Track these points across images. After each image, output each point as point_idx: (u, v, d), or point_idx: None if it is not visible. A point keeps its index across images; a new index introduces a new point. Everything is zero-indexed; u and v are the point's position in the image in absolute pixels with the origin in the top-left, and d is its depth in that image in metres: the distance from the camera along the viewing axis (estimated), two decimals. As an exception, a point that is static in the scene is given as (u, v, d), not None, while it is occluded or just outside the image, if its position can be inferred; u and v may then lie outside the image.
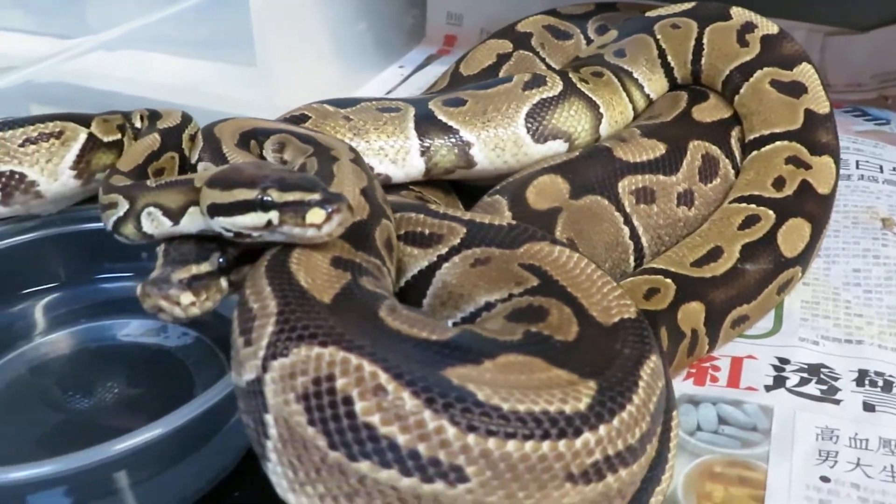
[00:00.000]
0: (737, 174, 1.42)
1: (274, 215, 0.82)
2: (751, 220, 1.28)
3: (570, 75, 1.47)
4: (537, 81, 1.43)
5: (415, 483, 0.63)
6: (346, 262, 0.83)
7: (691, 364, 1.19)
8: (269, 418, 0.70)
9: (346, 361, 0.65)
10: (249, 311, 0.75)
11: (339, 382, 0.65)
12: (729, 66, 1.48)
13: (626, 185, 1.33)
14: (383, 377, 0.64)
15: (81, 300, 1.20)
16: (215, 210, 0.87)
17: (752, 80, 1.45)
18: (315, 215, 0.79)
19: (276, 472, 0.71)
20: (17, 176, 1.15)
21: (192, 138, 1.20)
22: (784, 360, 1.18)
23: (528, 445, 0.64)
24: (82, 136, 1.17)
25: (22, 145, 1.15)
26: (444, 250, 0.99)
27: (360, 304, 0.75)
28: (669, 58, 1.54)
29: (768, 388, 1.13)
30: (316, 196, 0.80)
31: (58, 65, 1.82)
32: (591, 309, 0.84)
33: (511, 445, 0.63)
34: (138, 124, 1.25)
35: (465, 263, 0.96)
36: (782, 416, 1.08)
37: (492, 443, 0.63)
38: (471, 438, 0.63)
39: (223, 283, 0.91)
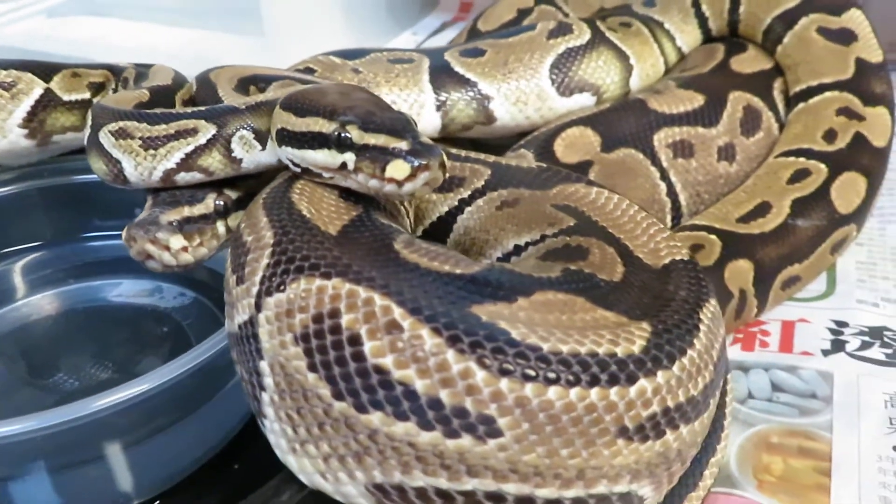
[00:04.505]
0: (781, 129, 1.31)
1: (349, 158, 0.68)
2: (801, 174, 1.17)
3: (598, 24, 1.36)
4: (563, 29, 1.32)
5: (436, 438, 0.53)
6: (360, 195, 0.72)
7: (739, 328, 1.07)
8: (263, 366, 0.59)
9: (354, 294, 0.55)
10: (243, 245, 0.64)
11: (345, 319, 0.54)
12: (770, 14, 1.36)
13: (662, 138, 1.21)
14: (397, 312, 0.53)
15: (68, 260, 1.09)
16: (284, 138, 0.74)
17: (796, 28, 1.34)
18: (397, 169, 0.65)
19: (274, 430, 0.60)
20: None
21: (187, 103, 1.07)
22: (842, 324, 1.07)
23: (574, 393, 0.53)
24: (37, 90, 1.01)
25: None
26: (466, 194, 0.88)
27: (372, 237, 0.64)
28: (704, 7, 1.43)
29: (826, 353, 1.02)
30: (402, 145, 0.65)
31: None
32: (638, 250, 0.74)
33: (552, 392, 0.52)
34: (115, 88, 1.08)
35: (490, 206, 0.85)
36: (844, 382, 0.96)
37: (529, 389, 0.52)
38: (504, 384, 0.52)
39: (220, 228, 0.81)
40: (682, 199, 1.22)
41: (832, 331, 1.06)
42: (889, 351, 1.01)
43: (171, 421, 0.79)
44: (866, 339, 1.03)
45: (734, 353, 1.03)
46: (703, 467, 0.79)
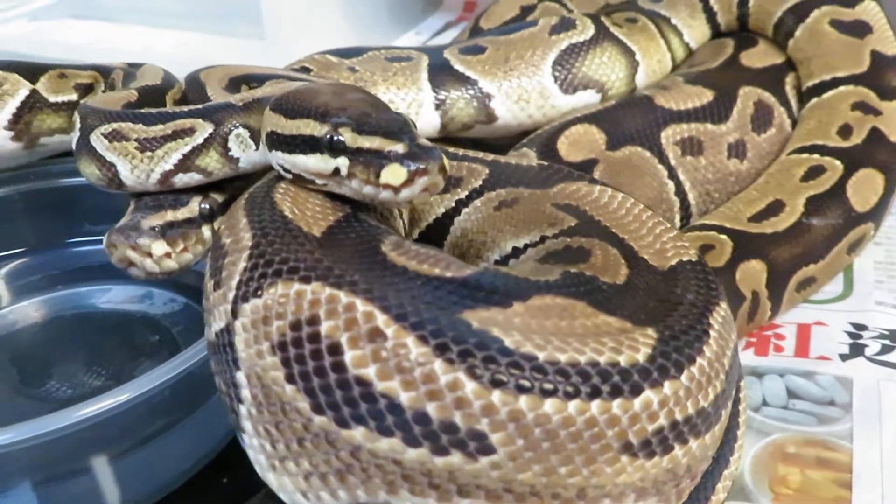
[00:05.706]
0: (793, 125, 1.26)
1: (342, 163, 0.63)
2: (815, 172, 1.13)
3: (603, 20, 1.32)
4: (566, 25, 1.28)
5: (423, 455, 0.49)
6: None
7: (752, 332, 1.03)
8: (240, 377, 0.55)
9: (334, 300, 0.51)
10: (221, 248, 0.61)
11: (325, 326, 0.50)
12: (781, 8, 1.32)
13: (669, 136, 1.17)
14: (381, 319, 0.50)
15: (55, 266, 1.06)
16: (274, 141, 0.70)
17: (808, 20, 1.29)
18: (392, 174, 0.60)
19: (253, 445, 0.56)
20: None
21: (178, 104, 1.04)
22: (860, 327, 1.02)
23: (573, 406, 0.49)
24: (22, 91, 0.98)
25: None
26: (463, 194, 0.84)
27: (359, 238, 0.60)
28: (712, 1, 1.38)
29: (844, 358, 0.97)
30: (398, 148, 0.60)
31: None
32: (643, 252, 0.69)
33: (549, 406, 0.48)
34: (104, 89, 1.04)
35: (489, 207, 0.81)
36: (864, 388, 0.91)
37: (524, 402, 0.48)
38: (496, 396, 0.48)
39: (206, 232, 0.77)
40: (691, 198, 1.18)
41: (850, 334, 1.01)
42: (911, 355, 0.96)
43: (156, 431, 0.75)
44: (886, 342, 0.99)
45: (747, 358, 0.99)
46: (715, 480, 0.75)
